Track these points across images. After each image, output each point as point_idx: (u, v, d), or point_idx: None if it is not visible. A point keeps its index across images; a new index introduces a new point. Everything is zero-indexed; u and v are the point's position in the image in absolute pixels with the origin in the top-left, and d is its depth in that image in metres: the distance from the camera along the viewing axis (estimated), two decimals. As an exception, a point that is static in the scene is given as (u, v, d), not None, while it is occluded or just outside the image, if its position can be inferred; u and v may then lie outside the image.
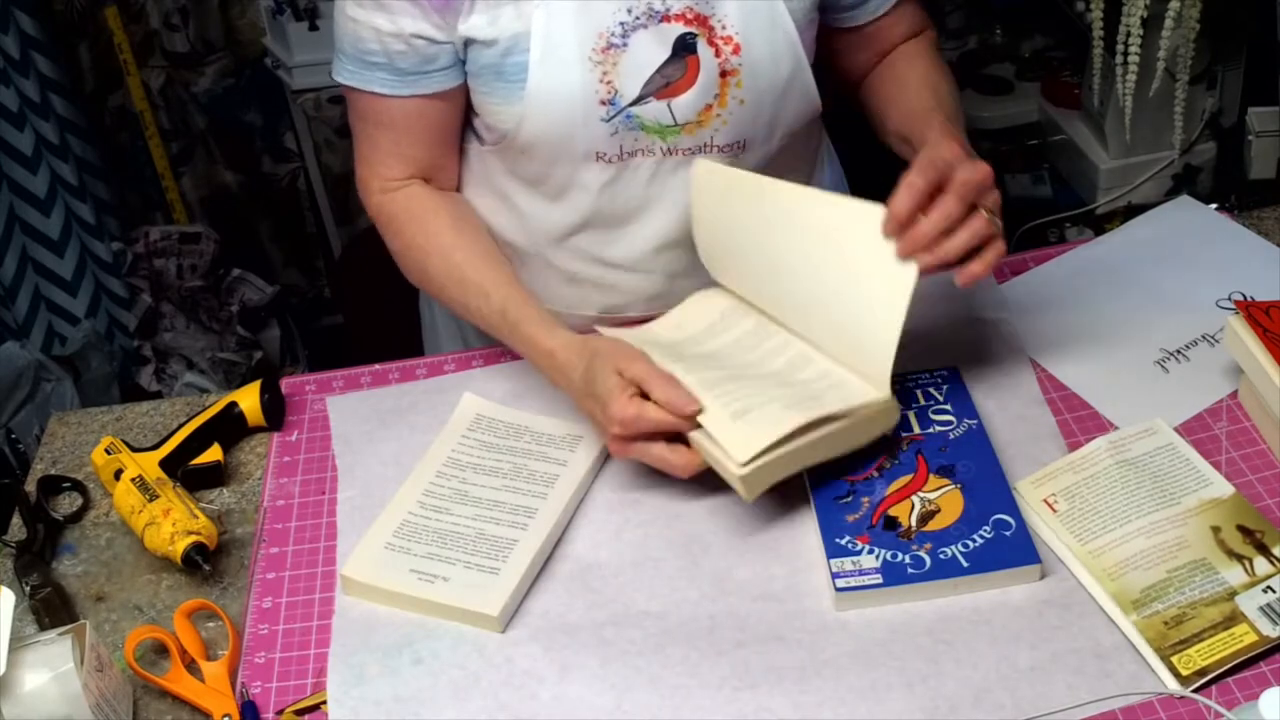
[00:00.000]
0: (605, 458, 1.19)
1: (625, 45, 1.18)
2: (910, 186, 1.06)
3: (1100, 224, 2.06)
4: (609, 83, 1.18)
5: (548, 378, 1.20)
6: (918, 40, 1.35)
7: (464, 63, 1.23)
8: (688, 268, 1.28)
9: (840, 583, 1.03)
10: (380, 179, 1.29)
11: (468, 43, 1.20)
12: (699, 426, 1.08)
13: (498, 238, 1.33)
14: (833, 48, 1.35)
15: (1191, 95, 1.85)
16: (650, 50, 1.18)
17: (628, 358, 1.11)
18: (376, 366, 1.33)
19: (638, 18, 1.18)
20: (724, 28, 1.19)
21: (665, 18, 1.18)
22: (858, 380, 1.12)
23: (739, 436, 1.06)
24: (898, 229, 1.06)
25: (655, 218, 1.26)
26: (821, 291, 1.14)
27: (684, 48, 1.18)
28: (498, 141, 1.26)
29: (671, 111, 1.20)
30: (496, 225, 1.33)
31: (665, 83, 1.19)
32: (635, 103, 1.19)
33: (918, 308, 1.30)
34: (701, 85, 1.20)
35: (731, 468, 1.05)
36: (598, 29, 1.17)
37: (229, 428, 1.25)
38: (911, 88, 1.30)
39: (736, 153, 1.25)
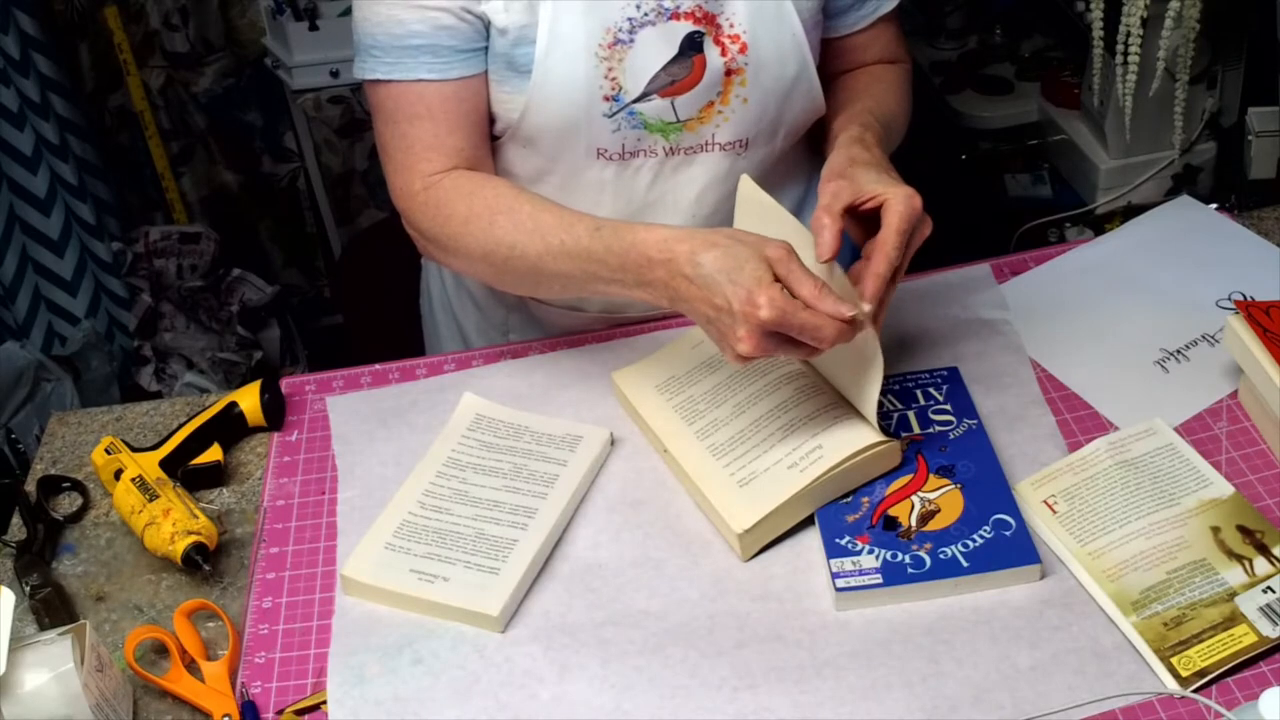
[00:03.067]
0: (605, 458, 1.19)
1: (632, 42, 1.18)
2: (877, 278, 1.05)
3: (1100, 224, 2.06)
4: (613, 79, 1.18)
5: (649, 284, 1.10)
6: (890, 66, 1.35)
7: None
8: None
9: (840, 583, 1.03)
10: (422, 176, 1.22)
11: (487, 25, 1.20)
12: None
13: None
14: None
15: (1191, 95, 1.85)
16: (657, 48, 1.18)
17: (774, 245, 1.04)
18: (376, 366, 1.33)
19: (646, 14, 1.18)
20: (731, 26, 1.19)
21: (674, 15, 1.18)
22: (859, 420, 1.12)
23: (744, 503, 1.08)
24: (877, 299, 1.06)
25: (657, 219, 1.26)
26: None
27: (691, 47, 1.18)
28: (502, 132, 1.26)
29: (674, 108, 1.20)
30: None
31: (670, 81, 1.19)
32: (639, 100, 1.19)
33: (918, 308, 1.30)
34: (706, 84, 1.20)
35: (734, 527, 1.07)
36: (605, 24, 1.17)
37: (229, 428, 1.25)
38: (859, 99, 1.29)
39: (739, 151, 1.25)
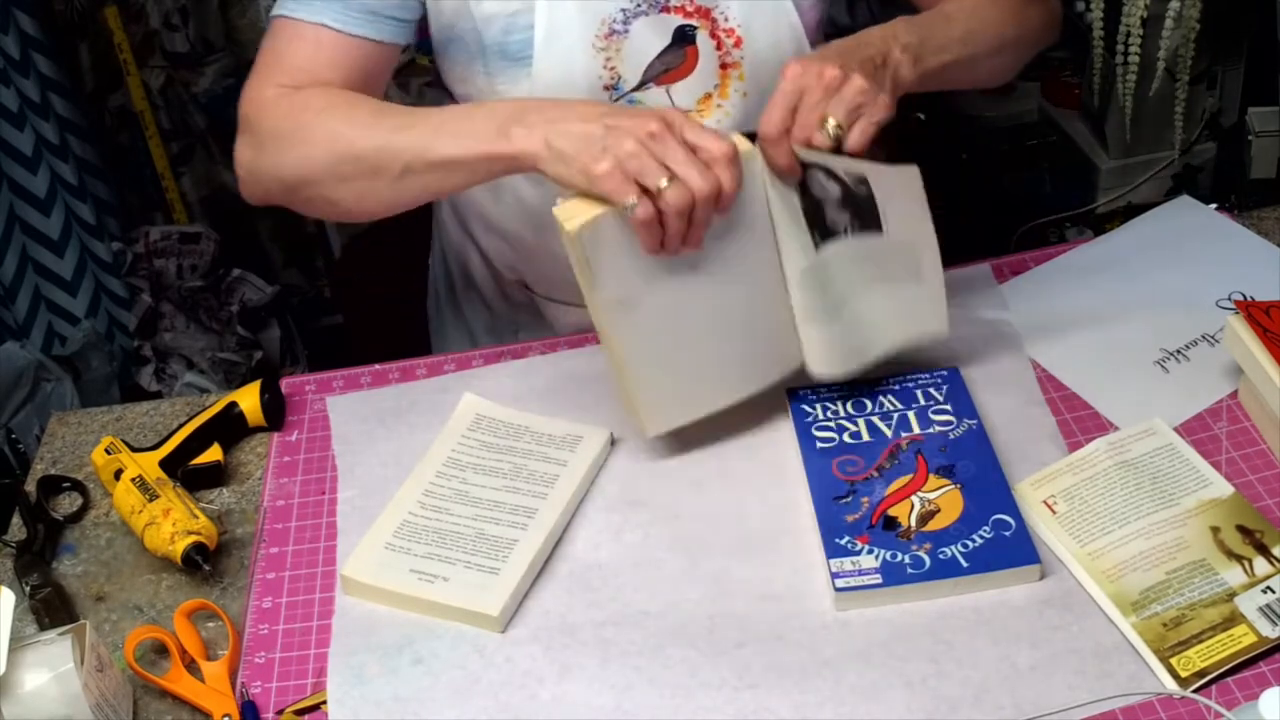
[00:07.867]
0: (605, 458, 1.19)
1: (627, 32, 1.19)
2: (777, 93, 1.03)
3: (1100, 224, 2.06)
4: (612, 68, 1.19)
5: (519, 120, 1.04)
6: None
7: (422, 25, 1.20)
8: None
9: (840, 583, 1.03)
10: (278, 85, 1.16)
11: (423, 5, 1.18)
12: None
13: (501, 228, 1.33)
14: (914, 9, 1.31)
15: (1191, 95, 1.85)
16: (651, 38, 1.19)
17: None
18: (376, 366, 1.33)
19: (639, 5, 1.18)
20: (726, 20, 1.20)
21: (665, 8, 1.19)
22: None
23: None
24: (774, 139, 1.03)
25: None
26: None
27: (683, 38, 1.19)
28: None
29: (671, 98, 1.21)
30: (499, 215, 1.33)
31: (664, 69, 1.20)
32: (637, 88, 1.20)
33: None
34: (700, 73, 1.21)
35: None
36: (601, 15, 1.18)
37: (229, 428, 1.25)
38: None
39: None
